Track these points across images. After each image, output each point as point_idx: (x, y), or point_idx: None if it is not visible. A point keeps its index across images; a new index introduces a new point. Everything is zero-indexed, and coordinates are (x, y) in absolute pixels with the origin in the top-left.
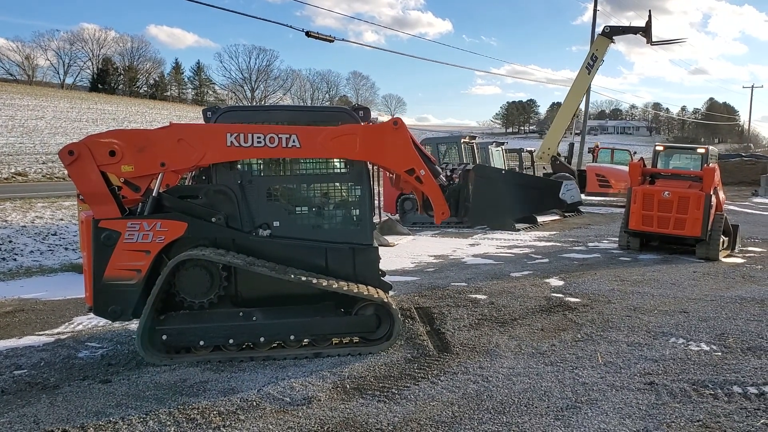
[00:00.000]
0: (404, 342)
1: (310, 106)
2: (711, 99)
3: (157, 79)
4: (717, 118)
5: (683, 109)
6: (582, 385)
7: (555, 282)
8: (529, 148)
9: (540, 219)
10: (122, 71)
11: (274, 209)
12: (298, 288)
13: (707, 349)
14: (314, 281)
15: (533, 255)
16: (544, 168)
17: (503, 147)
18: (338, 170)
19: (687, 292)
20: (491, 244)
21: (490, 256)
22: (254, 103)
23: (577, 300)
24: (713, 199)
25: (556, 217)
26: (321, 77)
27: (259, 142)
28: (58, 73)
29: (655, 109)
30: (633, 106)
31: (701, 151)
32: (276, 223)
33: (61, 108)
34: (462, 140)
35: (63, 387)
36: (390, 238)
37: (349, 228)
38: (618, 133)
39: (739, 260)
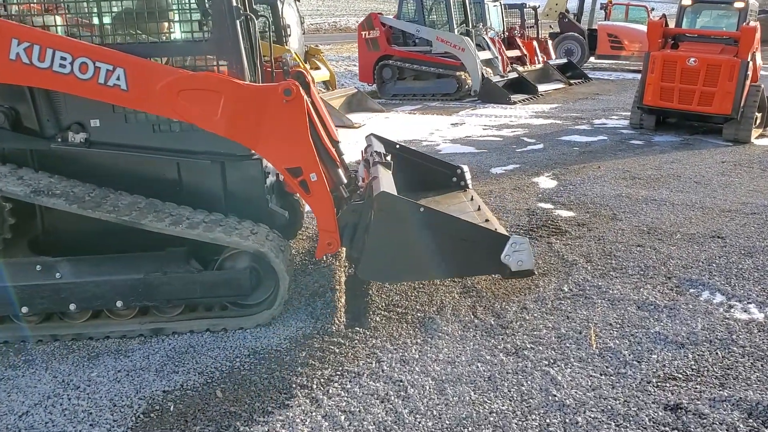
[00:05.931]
0: (304, 302)
1: None
2: None
3: None
4: None
5: None
6: (560, 408)
7: (545, 183)
8: (532, 4)
9: (541, 88)
10: None
11: (92, 101)
12: (128, 228)
13: (761, 318)
14: (143, 220)
15: (526, 139)
16: (550, 27)
17: (501, 1)
18: (192, 36)
19: (718, 198)
20: (478, 122)
21: (472, 142)
22: None
23: (571, 215)
24: (750, 66)
25: (560, 86)
26: None
27: (62, 66)
28: None
29: None
30: None
31: (739, 5)
32: (95, 122)
33: None
34: None
35: None
36: (355, 117)
37: None
38: None
39: None
